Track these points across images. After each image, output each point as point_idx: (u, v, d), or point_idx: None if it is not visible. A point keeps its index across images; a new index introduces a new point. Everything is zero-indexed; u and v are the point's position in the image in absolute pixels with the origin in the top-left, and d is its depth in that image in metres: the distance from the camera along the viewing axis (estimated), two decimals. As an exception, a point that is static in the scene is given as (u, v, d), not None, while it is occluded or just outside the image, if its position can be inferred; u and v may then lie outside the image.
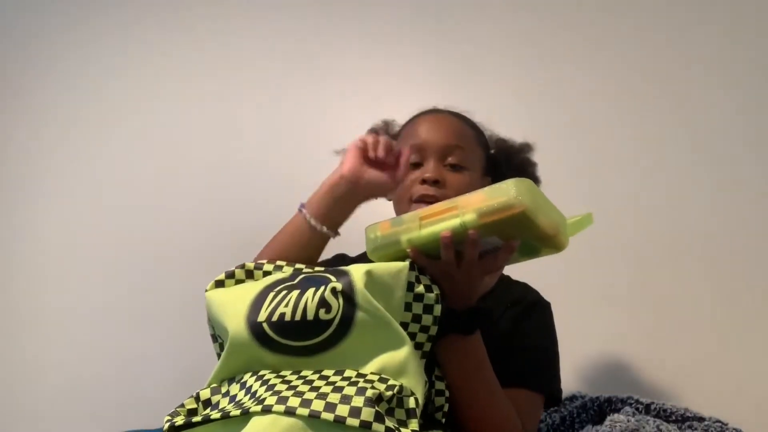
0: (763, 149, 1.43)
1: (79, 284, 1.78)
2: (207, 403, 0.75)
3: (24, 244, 1.86)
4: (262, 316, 0.74)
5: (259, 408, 0.64)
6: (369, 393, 0.65)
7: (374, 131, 1.17)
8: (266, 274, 0.85)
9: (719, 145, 1.45)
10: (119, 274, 1.76)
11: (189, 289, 1.52)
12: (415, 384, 0.71)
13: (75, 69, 1.99)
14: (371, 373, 0.70)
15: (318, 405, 0.63)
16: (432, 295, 0.77)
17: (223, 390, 0.75)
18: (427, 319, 0.77)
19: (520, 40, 1.65)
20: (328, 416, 0.62)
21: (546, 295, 1.05)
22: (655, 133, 1.50)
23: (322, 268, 0.83)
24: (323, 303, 0.72)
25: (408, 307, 0.77)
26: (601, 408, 1.16)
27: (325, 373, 0.71)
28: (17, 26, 2.06)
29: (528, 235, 0.77)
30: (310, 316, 0.72)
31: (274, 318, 0.73)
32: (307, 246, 0.93)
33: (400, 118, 1.17)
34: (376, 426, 0.62)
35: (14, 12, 2.07)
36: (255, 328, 0.73)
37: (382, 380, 0.69)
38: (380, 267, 0.76)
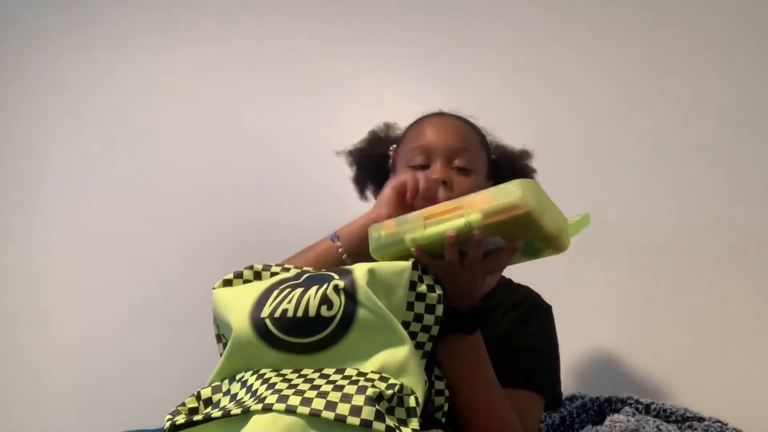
0: (764, 148, 1.43)
1: (78, 284, 1.78)
2: (208, 401, 0.74)
3: (24, 243, 1.86)
4: (265, 312, 0.74)
5: (259, 407, 0.64)
6: (369, 392, 0.65)
7: (375, 134, 1.17)
8: (273, 275, 0.85)
9: (719, 144, 1.45)
10: (119, 274, 1.76)
11: (189, 288, 1.53)
12: (415, 383, 0.71)
13: (75, 68, 1.99)
14: (372, 371, 0.70)
15: (318, 403, 0.63)
16: (434, 295, 0.77)
17: (224, 389, 0.75)
18: (428, 319, 0.77)
19: (520, 40, 1.65)
20: (328, 415, 0.62)
21: (546, 295, 1.05)
22: (656, 133, 1.50)
23: (327, 268, 0.83)
24: (325, 300, 0.72)
25: (410, 306, 0.77)
26: (601, 408, 1.16)
27: (326, 371, 0.71)
28: (17, 26, 2.06)
29: (531, 235, 0.77)
30: (311, 312, 0.72)
31: (277, 314, 0.73)
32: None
33: (401, 118, 1.17)
34: (376, 425, 0.62)
35: (14, 11, 2.07)
36: (258, 324, 0.73)
37: (382, 379, 0.69)
38: (383, 266, 0.76)
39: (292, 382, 0.69)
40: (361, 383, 0.67)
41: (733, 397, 1.27)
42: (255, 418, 0.64)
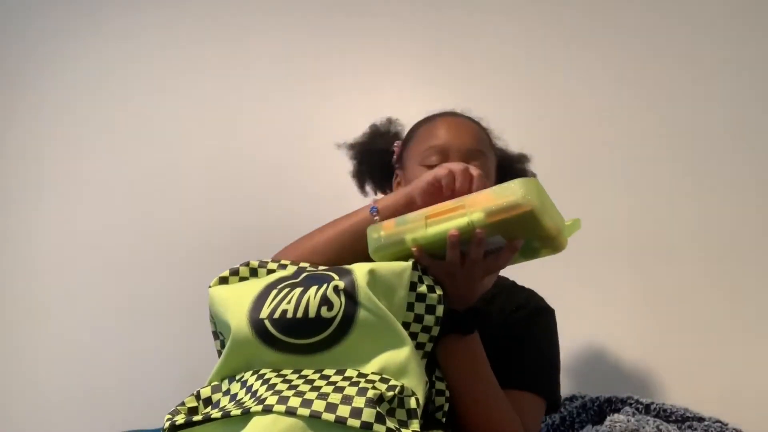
0: (762, 147, 1.43)
1: (78, 283, 1.77)
2: (207, 401, 0.74)
3: (24, 243, 1.86)
4: (265, 312, 0.74)
5: (259, 408, 0.64)
6: (370, 393, 0.64)
7: (376, 128, 1.17)
8: (270, 272, 0.85)
9: (719, 144, 1.45)
10: (119, 274, 1.76)
11: (189, 288, 1.53)
12: (416, 384, 0.70)
13: (75, 68, 1.98)
14: (372, 372, 0.70)
15: (319, 405, 0.63)
16: (434, 296, 0.77)
17: (224, 388, 0.74)
18: (429, 320, 0.77)
19: (520, 40, 1.65)
20: (329, 417, 0.62)
21: (545, 295, 1.05)
22: (656, 133, 1.50)
23: (326, 267, 0.82)
24: (325, 301, 0.72)
25: (410, 306, 0.76)
26: (601, 408, 1.16)
27: (326, 372, 0.71)
28: (16, 25, 2.06)
29: (532, 235, 0.76)
30: (311, 313, 0.72)
31: (276, 315, 0.73)
32: (363, 241, 0.86)
33: (401, 115, 1.17)
34: (377, 427, 0.62)
35: (14, 11, 2.07)
36: (257, 325, 0.73)
37: (383, 380, 0.69)
38: (383, 266, 0.76)
39: (292, 383, 0.68)
40: (361, 385, 0.66)
41: (733, 397, 1.27)
42: (255, 420, 0.64)
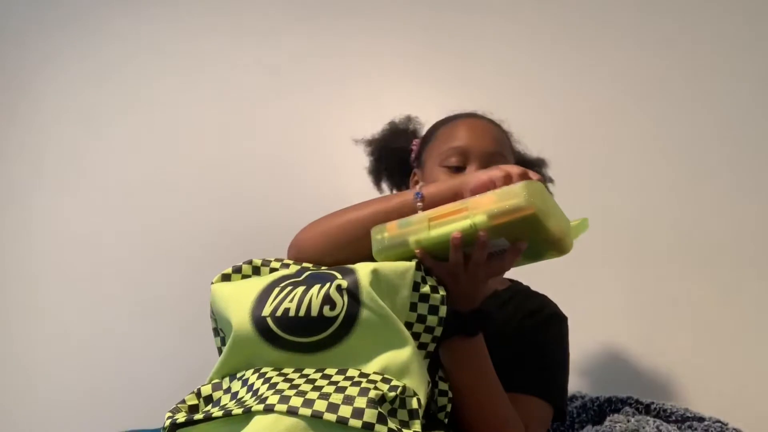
0: (763, 149, 1.43)
1: (78, 283, 1.77)
2: (208, 399, 0.74)
3: (24, 243, 1.85)
4: (267, 310, 0.73)
5: (261, 407, 0.64)
6: (372, 394, 0.64)
7: (395, 126, 1.15)
8: (273, 270, 0.84)
9: (719, 146, 1.45)
10: (119, 273, 1.75)
11: (189, 288, 1.53)
12: (417, 384, 0.70)
13: (75, 67, 1.98)
14: (374, 372, 0.70)
15: (320, 405, 0.63)
16: (438, 296, 0.77)
17: (225, 386, 0.74)
18: (432, 320, 0.77)
19: (520, 39, 1.65)
20: (330, 417, 0.62)
21: (545, 294, 1.05)
22: (657, 134, 1.50)
23: (328, 267, 0.82)
24: (328, 300, 0.72)
25: (413, 307, 0.76)
26: (601, 408, 1.16)
27: (328, 371, 0.70)
28: (16, 25, 2.06)
29: (535, 237, 0.76)
30: (314, 312, 0.71)
31: (278, 313, 0.72)
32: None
33: (401, 114, 1.16)
34: (378, 427, 0.62)
35: (13, 10, 2.06)
36: (259, 323, 0.73)
37: (385, 380, 0.68)
38: (387, 266, 0.75)
39: (294, 382, 0.68)
40: (363, 385, 0.66)
41: (733, 397, 1.27)
42: (256, 419, 0.64)
